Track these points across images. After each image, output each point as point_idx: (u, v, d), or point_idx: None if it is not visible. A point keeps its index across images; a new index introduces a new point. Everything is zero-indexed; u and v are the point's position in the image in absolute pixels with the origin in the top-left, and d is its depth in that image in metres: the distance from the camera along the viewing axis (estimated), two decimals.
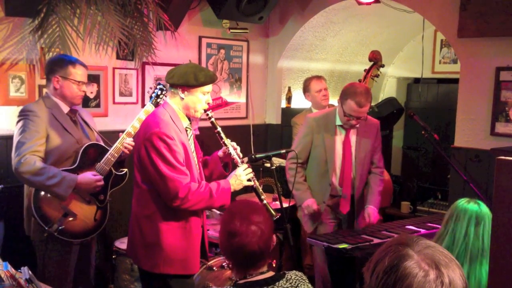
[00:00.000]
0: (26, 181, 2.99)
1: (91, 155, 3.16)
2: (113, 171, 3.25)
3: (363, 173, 3.65)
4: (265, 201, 2.77)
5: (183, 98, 2.69)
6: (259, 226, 1.98)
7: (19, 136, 2.98)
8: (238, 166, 2.81)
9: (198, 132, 3.69)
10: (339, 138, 3.59)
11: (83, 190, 3.09)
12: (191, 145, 2.76)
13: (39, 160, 2.96)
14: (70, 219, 3.05)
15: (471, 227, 2.21)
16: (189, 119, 2.78)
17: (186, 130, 2.75)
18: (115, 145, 3.21)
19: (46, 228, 2.97)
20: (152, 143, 2.56)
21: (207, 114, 2.81)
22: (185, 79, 2.64)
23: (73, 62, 3.14)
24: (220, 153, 2.94)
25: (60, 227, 3.00)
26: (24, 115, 3.03)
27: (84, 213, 3.12)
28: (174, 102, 2.72)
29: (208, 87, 2.72)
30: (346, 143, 3.58)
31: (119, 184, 3.32)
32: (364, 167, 3.64)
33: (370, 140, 3.64)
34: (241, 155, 2.89)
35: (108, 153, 3.19)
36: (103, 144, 3.25)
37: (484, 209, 2.26)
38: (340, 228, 3.71)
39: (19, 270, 1.98)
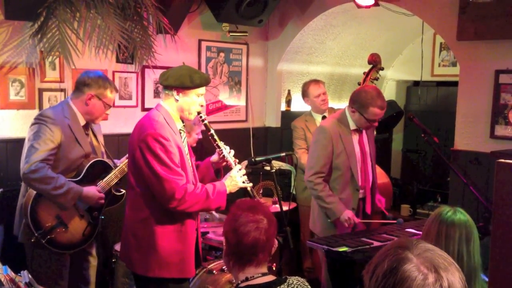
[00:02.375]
0: (33, 187, 3.00)
1: (96, 171, 3.19)
2: (112, 191, 3.27)
3: (374, 171, 3.73)
4: None
5: (177, 100, 2.68)
6: (266, 215, 2.01)
7: (33, 141, 2.97)
8: (232, 168, 2.80)
9: (201, 136, 3.66)
10: (356, 142, 3.61)
11: (84, 203, 3.12)
12: (185, 148, 2.76)
13: (49, 168, 2.96)
14: (61, 230, 3.05)
15: (463, 246, 2.09)
16: (182, 121, 2.78)
17: (180, 133, 2.74)
18: (120, 166, 3.23)
19: (36, 234, 2.97)
20: (147, 144, 2.55)
21: (201, 117, 2.80)
22: (180, 81, 2.64)
23: (112, 86, 3.19)
24: (214, 156, 2.93)
25: (49, 236, 3.00)
26: (42, 120, 3.02)
27: (74, 226, 3.12)
28: (168, 104, 2.70)
29: (203, 89, 2.72)
30: (361, 144, 3.63)
31: (115, 204, 3.34)
32: (374, 164, 3.73)
33: (372, 137, 3.76)
34: (236, 160, 2.88)
35: (112, 173, 3.22)
36: (109, 162, 3.27)
37: (470, 219, 2.16)
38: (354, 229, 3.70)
39: (19, 274, 1.98)
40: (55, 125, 3.01)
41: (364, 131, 3.65)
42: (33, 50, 3.61)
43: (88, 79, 3.15)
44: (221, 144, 2.84)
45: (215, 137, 2.83)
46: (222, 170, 2.98)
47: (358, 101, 3.44)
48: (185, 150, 2.74)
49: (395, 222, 3.56)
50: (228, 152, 2.86)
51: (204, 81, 2.70)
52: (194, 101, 2.70)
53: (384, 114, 3.67)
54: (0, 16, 3.45)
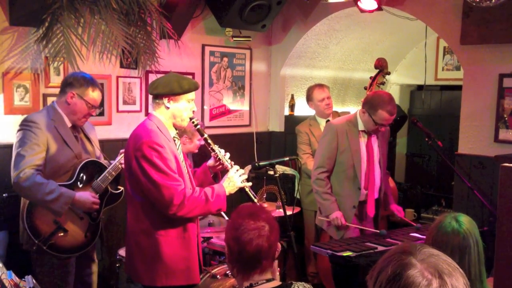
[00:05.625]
0: (24, 195, 3.01)
1: (89, 172, 3.17)
2: (109, 189, 3.25)
3: (383, 176, 3.81)
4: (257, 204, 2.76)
5: (168, 108, 2.68)
6: (267, 221, 1.99)
7: (19, 148, 2.97)
8: (229, 170, 2.80)
9: (203, 142, 3.67)
10: (363, 143, 3.70)
11: (78, 208, 3.10)
12: (180, 155, 2.76)
13: (38, 174, 2.95)
14: (61, 234, 3.04)
15: (455, 258, 1.91)
16: (176, 129, 2.78)
17: (174, 140, 2.74)
18: (114, 163, 3.22)
19: (36, 242, 2.96)
20: (142, 152, 2.54)
21: (193, 122, 2.80)
22: (170, 88, 2.65)
23: (94, 85, 3.16)
24: (210, 161, 2.93)
25: (49, 242, 2.99)
26: (26, 126, 3.02)
27: (75, 229, 3.11)
28: (160, 112, 2.71)
29: (192, 95, 2.73)
30: (369, 147, 3.69)
31: (114, 202, 3.32)
32: (383, 169, 3.81)
33: (384, 144, 3.83)
34: (232, 162, 2.88)
35: (106, 171, 3.20)
36: (102, 162, 3.25)
37: (467, 228, 2.02)
38: (362, 232, 3.76)
39: (23, 279, 1.98)
40: (39, 129, 3.00)
41: (376, 137, 3.72)
42: (37, 55, 3.63)
43: (70, 79, 3.15)
44: (215, 147, 2.85)
45: (209, 141, 2.84)
46: (219, 174, 2.98)
47: (369, 103, 3.56)
48: (180, 157, 2.74)
49: (378, 233, 3.46)
50: (223, 155, 2.86)
51: (193, 86, 2.71)
52: (185, 107, 2.70)
53: None
54: (5, 22, 3.47)
